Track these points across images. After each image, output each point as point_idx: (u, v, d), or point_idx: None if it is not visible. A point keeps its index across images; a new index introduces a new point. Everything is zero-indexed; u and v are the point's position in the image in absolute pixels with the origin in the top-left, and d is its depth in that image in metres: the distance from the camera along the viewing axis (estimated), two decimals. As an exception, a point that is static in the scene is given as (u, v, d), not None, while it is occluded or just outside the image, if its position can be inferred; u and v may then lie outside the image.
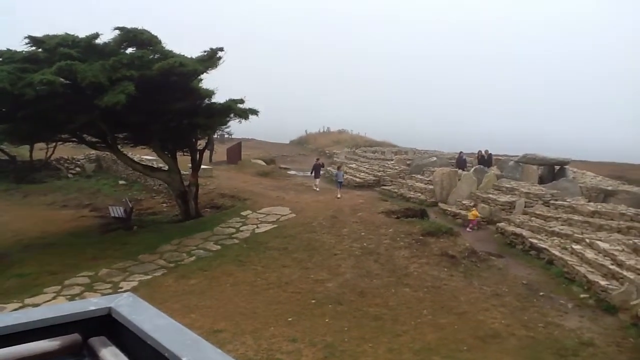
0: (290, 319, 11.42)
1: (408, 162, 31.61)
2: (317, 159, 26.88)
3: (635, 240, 15.55)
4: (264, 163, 34.21)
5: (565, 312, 12.29)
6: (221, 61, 18.00)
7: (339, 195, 21.07)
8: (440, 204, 22.36)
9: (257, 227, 17.92)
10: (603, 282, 13.05)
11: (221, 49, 17.80)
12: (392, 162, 32.43)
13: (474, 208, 20.30)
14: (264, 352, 9.82)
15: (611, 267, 13.68)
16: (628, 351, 10.44)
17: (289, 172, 32.44)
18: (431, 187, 23.84)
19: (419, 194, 24.12)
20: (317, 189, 23.44)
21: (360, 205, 19.80)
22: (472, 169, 24.77)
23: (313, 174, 25.05)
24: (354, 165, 31.89)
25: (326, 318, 11.54)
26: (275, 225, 17.95)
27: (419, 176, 27.11)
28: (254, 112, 18.42)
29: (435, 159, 30.65)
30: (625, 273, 13.06)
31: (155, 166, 22.33)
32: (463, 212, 20.74)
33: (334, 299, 12.59)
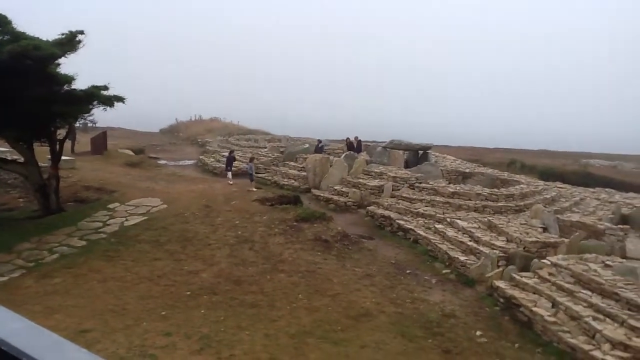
0: (163, 313, 11.12)
1: (281, 150, 31.79)
2: (231, 152, 26.06)
3: (490, 218, 17.05)
4: (132, 153, 32.72)
5: (430, 287, 13.18)
6: (81, 45, 16.89)
7: (254, 189, 20.56)
8: (313, 190, 22.84)
9: (126, 220, 17.16)
10: (462, 258, 14.18)
11: (81, 32, 16.68)
12: (265, 149, 32.46)
13: None
14: (136, 348, 9.47)
15: (469, 243, 14.88)
16: (484, 319, 11.46)
17: (159, 161, 31.33)
18: (304, 174, 24.26)
19: (293, 181, 24.44)
20: (231, 182, 22.68)
21: (234, 194, 19.67)
22: (343, 155, 25.51)
23: (226, 167, 24.20)
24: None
25: (201, 309, 11.38)
26: (145, 217, 17.31)
27: (292, 163, 27.41)
28: (120, 99, 17.52)
29: (307, 145, 31.08)
30: (481, 248, 14.28)
31: (10, 158, 20.49)
32: (335, 198, 21.37)
33: (209, 289, 12.44)
